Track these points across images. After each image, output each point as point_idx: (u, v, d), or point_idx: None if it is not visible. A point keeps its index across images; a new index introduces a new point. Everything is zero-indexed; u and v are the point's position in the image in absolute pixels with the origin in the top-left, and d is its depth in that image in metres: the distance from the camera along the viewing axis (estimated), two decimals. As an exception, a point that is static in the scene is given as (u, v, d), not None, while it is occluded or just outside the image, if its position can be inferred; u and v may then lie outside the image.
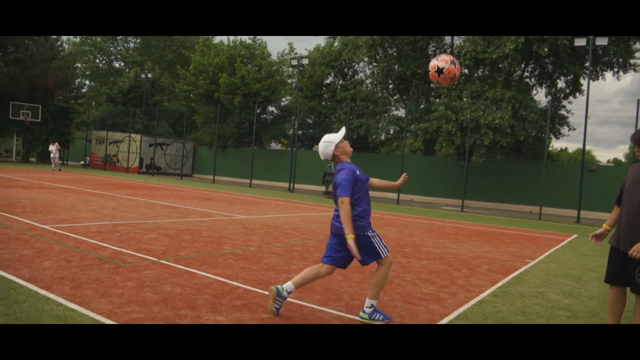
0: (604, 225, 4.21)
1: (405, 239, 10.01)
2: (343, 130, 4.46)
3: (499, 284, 6.17)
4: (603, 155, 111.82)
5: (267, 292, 4.85)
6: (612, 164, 46.04)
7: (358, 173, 4.29)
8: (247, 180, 29.80)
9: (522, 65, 26.02)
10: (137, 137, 34.89)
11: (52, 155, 27.70)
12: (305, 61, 27.76)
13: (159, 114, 36.34)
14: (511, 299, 5.43)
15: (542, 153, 23.34)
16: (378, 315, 4.25)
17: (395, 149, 33.65)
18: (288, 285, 4.24)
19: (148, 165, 35.29)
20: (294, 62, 27.72)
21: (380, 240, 4.29)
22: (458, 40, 28.14)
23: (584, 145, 20.21)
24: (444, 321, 4.43)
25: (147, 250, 6.51)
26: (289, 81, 37.42)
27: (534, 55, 23.75)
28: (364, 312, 4.26)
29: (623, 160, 52.89)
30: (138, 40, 52.87)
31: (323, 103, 35.07)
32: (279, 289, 4.20)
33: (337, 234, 4.22)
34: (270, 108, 36.63)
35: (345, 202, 4.06)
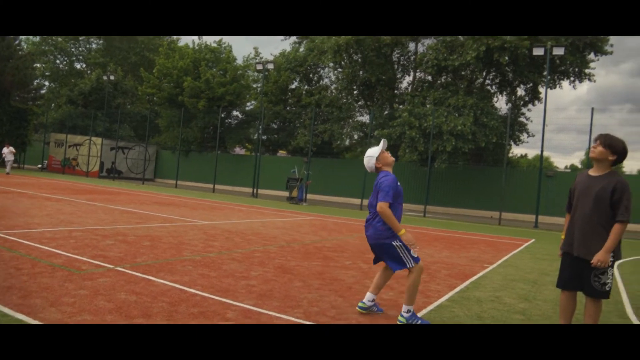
0: (562, 236, 4.30)
1: (367, 244, 10.05)
2: (382, 143, 4.73)
3: (457, 289, 6.25)
4: (560, 162, 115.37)
5: (225, 300, 4.82)
6: (569, 170, 47.38)
7: (398, 184, 4.56)
8: (210, 185, 29.47)
9: (484, 73, 26.60)
10: (98, 140, 34.11)
11: (5, 158, 26.79)
12: (270, 66, 27.70)
13: (121, 117, 35.65)
14: (468, 304, 5.51)
15: (502, 159, 23.87)
16: (416, 319, 4.49)
17: (360, 155, 33.85)
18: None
19: (109, 170, 34.53)
20: (259, 67, 27.62)
21: (408, 250, 4.48)
22: (421, 47, 28.59)
23: (542, 151, 20.79)
24: (401, 327, 4.46)
25: (103, 257, 6.34)
26: (254, 86, 37.26)
27: (495, 64, 24.29)
28: (402, 316, 4.49)
29: (579, 166, 54.68)
30: (100, 42, 51.70)
31: (288, 108, 35.06)
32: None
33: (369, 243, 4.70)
34: (235, 112, 36.42)
35: (383, 206, 4.38)
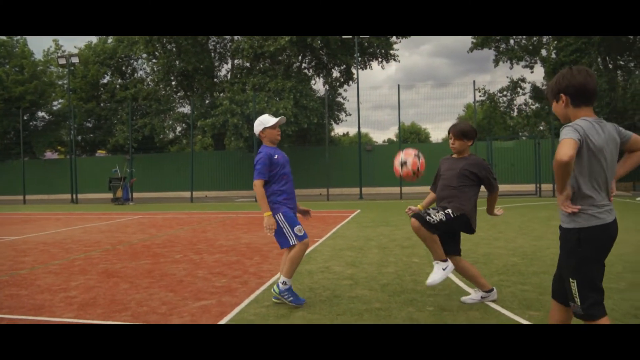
0: (419, 206, 4.61)
1: (198, 235, 9.85)
2: (278, 119, 4.67)
3: (289, 266, 6.40)
4: (379, 136, 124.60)
5: (40, 318, 4.36)
6: (387, 143, 51.48)
7: (276, 157, 4.53)
8: (20, 197, 26.43)
9: (300, 57, 27.43)
10: None
11: None
12: (75, 59, 25.50)
13: None
14: (300, 278, 5.67)
15: (324, 138, 24.99)
16: (289, 296, 4.45)
17: (186, 147, 32.94)
18: (281, 279, 4.51)
19: None
20: (62, 61, 25.28)
21: (290, 226, 4.44)
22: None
23: (359, 128, 22.23)
24: (235, 310, 4.43)
25: None
26: (60, 82, 33.89)
27: (309, 47, 25.18)
28: (277, 286, 4.47)
29: (395, 139, 59.56)
30: None
31: (102, 105, 32.61)
32: (274, 290, 4.53)
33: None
34: (41, 113, 32.82)
35: (257, 184, 4.43)
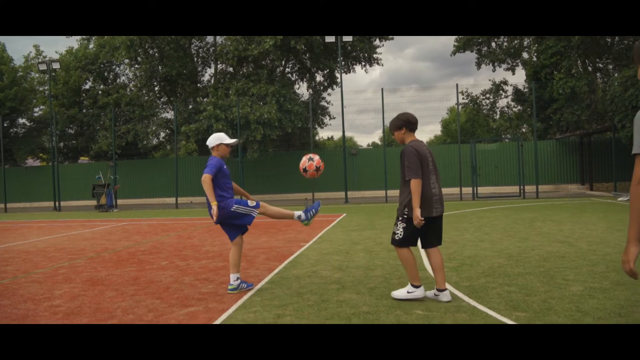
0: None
1: (184, 241, 9.78)
2: (234, 141, 5.39)
3: (276, 271, 6.39)
4: (364, 140, 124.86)
5: (22, 327, 4.30)
6: (371, 147, 51.70)
7: (225, 167, 5.19)
8: (2, 205, 26.03)
9: (283, 61, 27.43)
10: None
11: None
12: (56, 65, 25.21)
13: None
14: (287, 282, 5.66)
15: (309, 143, 24.98)
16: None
17: (170, 153, 32.73)
18: (231, 277, 5.24)
19: None
20: (43, 67, 24.98)
21: (244, 204, 5.09)
22: (220, 39, 28.40)
23: (344, 132, 22.26)
24: (223, 316, 4.40)
25: None
26: (41, 89, 33.44)
27: (293, 51, 25.17)
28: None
29: (379, 143, 59.83)
30: None
31: (84, 110, 32.23)
32: (229, 289, 5.23)
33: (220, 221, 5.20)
34: (21, 120, 32.37)
35: (207, 177, 4.87)
